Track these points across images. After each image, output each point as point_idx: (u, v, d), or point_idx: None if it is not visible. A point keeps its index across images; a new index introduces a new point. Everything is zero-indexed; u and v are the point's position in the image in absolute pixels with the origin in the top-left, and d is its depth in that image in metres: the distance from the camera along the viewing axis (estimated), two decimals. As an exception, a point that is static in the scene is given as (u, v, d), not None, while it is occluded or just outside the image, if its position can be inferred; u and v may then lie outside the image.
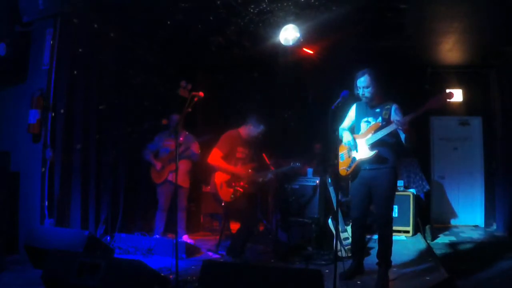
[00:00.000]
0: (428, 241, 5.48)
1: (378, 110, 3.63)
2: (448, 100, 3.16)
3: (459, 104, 7.05)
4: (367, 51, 5.79)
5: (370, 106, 3.67)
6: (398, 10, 4.79)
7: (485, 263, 4.26)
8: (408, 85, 6.48)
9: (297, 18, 5.07)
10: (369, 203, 3.70)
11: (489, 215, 6.81)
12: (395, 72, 6.32)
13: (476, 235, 6.11)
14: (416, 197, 5.97)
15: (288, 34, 5.18)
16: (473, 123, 7.16)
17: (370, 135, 3.59)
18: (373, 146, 3.56)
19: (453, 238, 5.85)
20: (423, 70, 6.86)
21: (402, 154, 3.92)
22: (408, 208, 5.80)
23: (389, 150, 3.58)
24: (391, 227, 3.61)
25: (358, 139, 3.68)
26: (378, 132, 3.52)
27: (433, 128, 7.21)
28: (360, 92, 3.60)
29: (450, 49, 6.07)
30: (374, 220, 4.06)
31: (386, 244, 3.57)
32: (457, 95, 7.03)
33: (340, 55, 5.79)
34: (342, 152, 3.83)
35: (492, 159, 6.81)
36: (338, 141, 3.80)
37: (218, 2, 4.73)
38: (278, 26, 5.21)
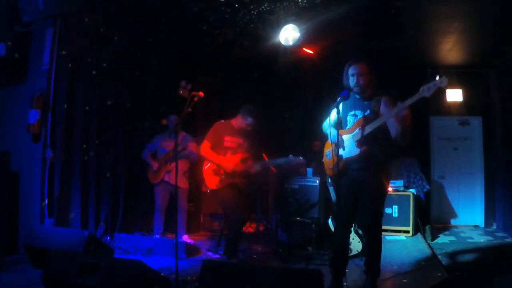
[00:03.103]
0: (428, 241, 5.48)
1: (366, 102, 3.27)
2: (443, 85, 2.81)
3: (459, 104, 7.06)
4: (367, 51, 5.79)
5: (362, 98, 3.30)
6: (398, 10, 4.79)
7: (485, 263, 4.26)
8: (408, 85, 6.46)
9: (297, 18, 5.07)
10: (356, 207, 3.30)
11: (489, 215, 6.81)
12: (395, 72, 6.32)
13: (476, 235, 6.12)
14: (416, 197, 5.97)
15: (288, 34, 5.18)
16: (473, 123, 7.16)
17: (357, 129, 3.20)
18: (360, 142, 3.17)
19: (453, 238, 5.85)
20: (423, 70, 6.85)
21: (392, 152, 3.63)
22: (408, 208, 5.81)
23: (379, 147, 3.19)
24: (380, 232, 3.31)
25: (345, 135, 3.31)
26: (367, 126, 3.14)
27: (433, 128, 7.20)
28: (352, 80, 3.26)
29: (450, 49, 6.07)
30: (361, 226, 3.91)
31: (375, 251, 3.25)
32: (457, 95, 7.04)
33: (340, 55, 5.79)
34: (328, 150, 3.46)
35: (492, 159, 6.81)
36: (325, 138, 3.50)
37: (218, 2, 4.73)
38: (278, 26, 5.21)
